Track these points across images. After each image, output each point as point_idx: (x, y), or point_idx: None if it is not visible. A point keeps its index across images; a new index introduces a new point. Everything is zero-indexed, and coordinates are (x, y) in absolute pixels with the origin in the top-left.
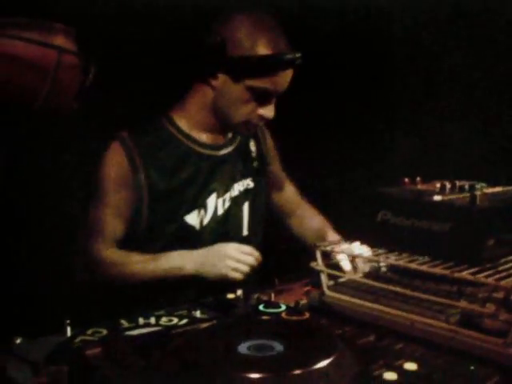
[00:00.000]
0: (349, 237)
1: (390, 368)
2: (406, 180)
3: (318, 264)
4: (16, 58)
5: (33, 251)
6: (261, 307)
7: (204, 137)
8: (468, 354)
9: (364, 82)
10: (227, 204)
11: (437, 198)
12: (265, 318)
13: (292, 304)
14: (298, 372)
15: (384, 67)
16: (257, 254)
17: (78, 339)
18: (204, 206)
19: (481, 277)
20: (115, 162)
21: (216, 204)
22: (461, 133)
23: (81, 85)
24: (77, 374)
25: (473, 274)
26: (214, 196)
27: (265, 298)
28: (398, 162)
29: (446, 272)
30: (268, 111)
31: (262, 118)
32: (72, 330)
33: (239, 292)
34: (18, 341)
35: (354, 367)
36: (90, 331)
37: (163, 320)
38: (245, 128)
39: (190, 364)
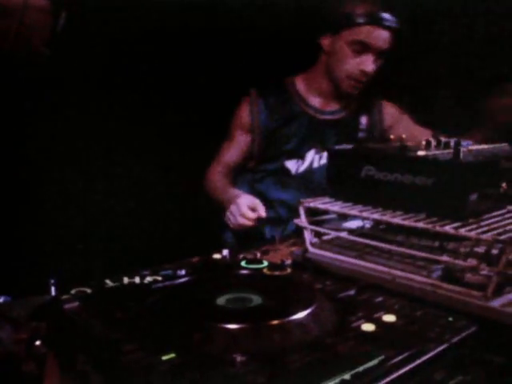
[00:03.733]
0: (332, 193)
1: (369, 320)
2: (392, 137)
3: (302, 221)
4: None
5: (23, 211)
6: (243, 263)
7: (317, 101)
8: (448, 308)
9: None
10: (323, 161)
11: (421, 153)
12: (245, 272)
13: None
14: (275, 322)
15: None
16: (259, 212)
17: (62, 298)
18: (302, 157)
19: (463, 231)
20: (241, 112)
21: (313, 158)
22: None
23: (52, 30)
24: (56, 328)
25: (455, 228)
26: (312, 151)
27: (250, 257)
28: None
29: (429, 226)
30: (366, 65)
31: (362, 72)
32: (56, 290)
33: (225, 252)
34: (1, 299)
35: (332, 318)
36: (73, 291)
37: (148, 279)
38: (349, 84)
39: (168, 316)
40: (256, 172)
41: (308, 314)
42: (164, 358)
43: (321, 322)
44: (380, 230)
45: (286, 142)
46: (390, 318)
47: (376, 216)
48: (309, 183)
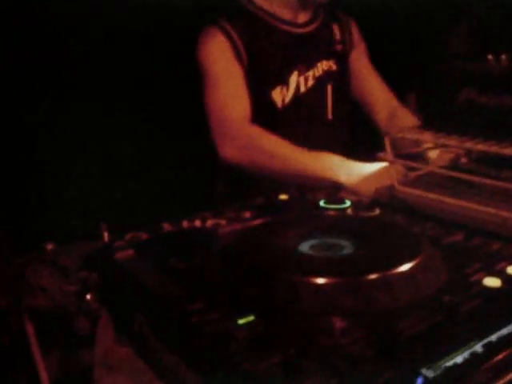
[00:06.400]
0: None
1: (491, 273)
2: (490, 57)
3: (388, 154)
4: None
5: (66, 155)
6: (322, 203)
7: (285, 13)
8: None
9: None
10: (310, 83)
11: None
12: (328, 213)
13: None
14: (377, 276)
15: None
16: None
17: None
18: (286, 83)
19: None
20: (219, 48)
21: (298, 81)
22: None
23: None
24: (108, 281)
25: None
26: (295, 73)
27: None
28: None
29: None
30: None
31: None
32: (109, 235)
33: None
34: (50, 247)
35: (444, 271)
36: (128, 236)
37: (210, 223)
38: None
39: (240, 268)
40: None
41: (416, 265)
42: (241, 321)
43: (432, 275)
44: (480, 164)
45: (266, 68)
46: None
47: (479, 147)
48: (298, 117)
